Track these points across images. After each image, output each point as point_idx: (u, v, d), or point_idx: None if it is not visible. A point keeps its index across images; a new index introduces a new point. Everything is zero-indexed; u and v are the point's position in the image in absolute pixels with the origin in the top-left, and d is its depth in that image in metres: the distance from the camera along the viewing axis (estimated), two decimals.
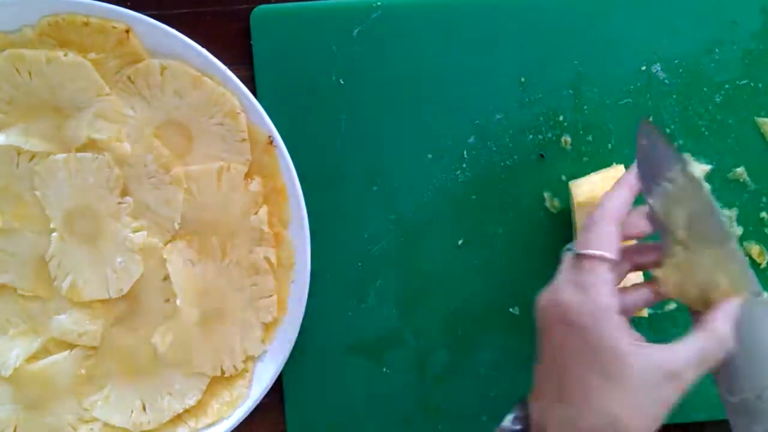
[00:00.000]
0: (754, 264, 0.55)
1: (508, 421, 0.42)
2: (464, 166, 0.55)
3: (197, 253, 0.52)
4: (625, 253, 0.43)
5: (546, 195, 0.55)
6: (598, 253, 0.40)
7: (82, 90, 0.51)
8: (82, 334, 0.52)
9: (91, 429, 0.52)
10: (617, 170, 0.52)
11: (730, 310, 0.40)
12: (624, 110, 0.55)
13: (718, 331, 0.39)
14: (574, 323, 0.38)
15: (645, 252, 0.44)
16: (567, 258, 0.42)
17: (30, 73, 0.51)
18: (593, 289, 0.39)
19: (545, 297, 0.41)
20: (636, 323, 0.42)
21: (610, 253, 0.40)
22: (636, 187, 0.43)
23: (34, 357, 0.52)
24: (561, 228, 0.55)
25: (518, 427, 0.41)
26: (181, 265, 0.52)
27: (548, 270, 0.46)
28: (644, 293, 0.43)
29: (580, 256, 0.40)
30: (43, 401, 0.52)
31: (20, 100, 0.51)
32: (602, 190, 0.45)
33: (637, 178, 0.43)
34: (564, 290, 0.40)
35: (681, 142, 0.55)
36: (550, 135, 0.55)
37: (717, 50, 0.55)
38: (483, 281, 0.55)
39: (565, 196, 0.55)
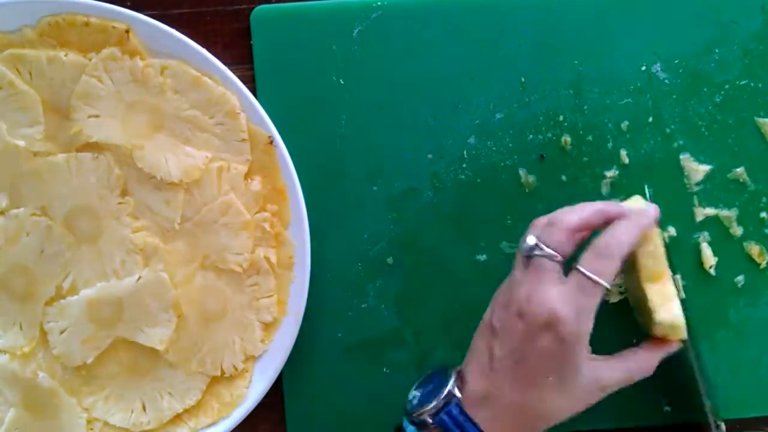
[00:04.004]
0: (754, 264, 0.55)
1: (450, 385, 0.46)
2: (464, 166, 0.55)
3: (197, 253, 0.52)
4: None
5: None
6: (606, 285, 0.45)
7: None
8: None
9: (91, 429, 0.52)
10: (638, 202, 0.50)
11: (663, 352, 0.48)
12: (624, 110, 0.55)
13: (646, 363, 0.48)
14: (561, 335, 0.44)
15: None
16: (575, 274, 0.45)
17: (30, 73, 0.51)
18: (588, 315, 0.45)
19: (544, 299, 0.45)
20: None
21: (609, 284, 0.45)
22: (648, 228, 0.47)
23: (34, 357, 0.52)
24: None
25: (459, 394, 0.46)
26: (181, 264, 0.52)
27: None
28: None
29: (588, 279, 0.45)
30: (44, 402, 0.52)
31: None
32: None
33: (651, 225, 0.48)
34: (565, 306, 0.44)
35: (681, 142, 0.55)
36: (550, 135, 0.55)
37: (717, 50, 0.55)
38: (483, 281, 0.55)
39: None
